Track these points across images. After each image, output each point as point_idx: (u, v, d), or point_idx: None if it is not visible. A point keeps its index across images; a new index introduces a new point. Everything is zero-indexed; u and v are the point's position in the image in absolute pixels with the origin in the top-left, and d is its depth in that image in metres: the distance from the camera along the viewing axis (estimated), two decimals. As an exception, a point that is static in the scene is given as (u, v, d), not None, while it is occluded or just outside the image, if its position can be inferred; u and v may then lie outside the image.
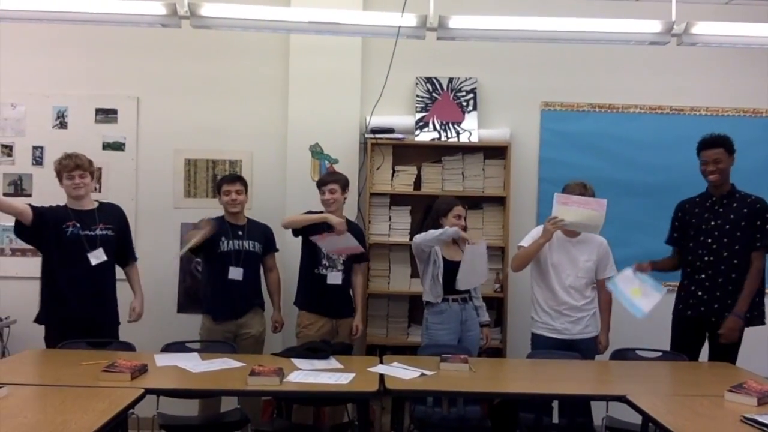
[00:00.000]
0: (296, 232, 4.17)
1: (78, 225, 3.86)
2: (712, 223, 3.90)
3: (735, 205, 3.89)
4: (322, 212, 4.17)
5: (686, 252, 4.01)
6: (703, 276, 3.89)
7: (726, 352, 3.82)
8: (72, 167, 3.86)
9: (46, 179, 4.72)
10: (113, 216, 4.04)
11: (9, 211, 3.78)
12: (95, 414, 2.57)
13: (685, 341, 3.97)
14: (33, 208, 3.82)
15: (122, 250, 4.06)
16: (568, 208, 3.82)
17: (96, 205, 4.01)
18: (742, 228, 3.83)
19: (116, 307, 4.01)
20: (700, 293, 3.89)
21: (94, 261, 3.85)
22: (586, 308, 3.97)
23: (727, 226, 3.85)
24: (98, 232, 3.91)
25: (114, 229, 3.98)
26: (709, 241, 3.88)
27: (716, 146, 3.88)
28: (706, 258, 3.88)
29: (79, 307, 3.80)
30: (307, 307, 4.19)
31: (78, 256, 3.82)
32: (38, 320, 3.89)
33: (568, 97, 4.89)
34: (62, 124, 4.81)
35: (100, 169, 4.39)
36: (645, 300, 3.74)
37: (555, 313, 3.94)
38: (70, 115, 4.81)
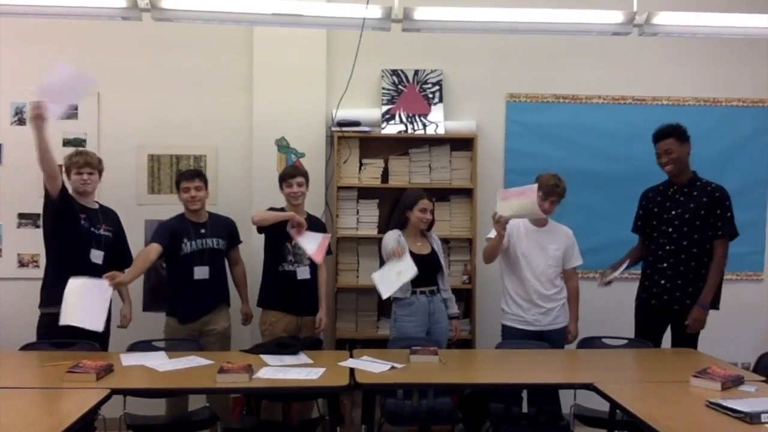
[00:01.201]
0: (261, 229, 4.12)
1: (87, 220, 3.89)
2: (673, 212, 3.95)
3: (695, 193, 3.94)
4: (282, 209, 4.14)
5: (649, 241, 4.07)
6: (665, 265, 3.94)
7: (688, 339, 3.90)
8: (82, 164, 3.89)
9: (6, 177, 4.66)
10: (112, 219, 4.08)
11: (49, 167, 3.66)
12: (61, 416, 2.53)
13: (648, 329, 4.03)
14: (63, 184, 3.80)
15: (119, 254, 4.06)
16: (508, 202, 3.82)
17: (97, 206, 4.04)
18: (702, 216, 3.88)
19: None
20: (662, 282, 3.94)
21: (94, 259, 3.87)
22: (556, 298, 4.01)
23: (687, 215, 3.91)
24: (102, 231, 3.94)
25: (113, 232, 4.01)
26: (670, 230, 3.94)
27: (666, 137, 3.94)
28: (667, 247, 3.94)
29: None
30: (272, 306, 4.12)
31: (84, 251, 3.85)
32: (42, 305, 3.85)
33: (532, 89, 4.92)
34: (21, 121, 4.69)
35: (61, 166, 4.29)
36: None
37: (526, 303, 3.96)
38: (28, 111, 4.68)
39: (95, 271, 3.80)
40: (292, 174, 4.15)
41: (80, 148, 4.07)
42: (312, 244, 4.02)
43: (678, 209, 3.95)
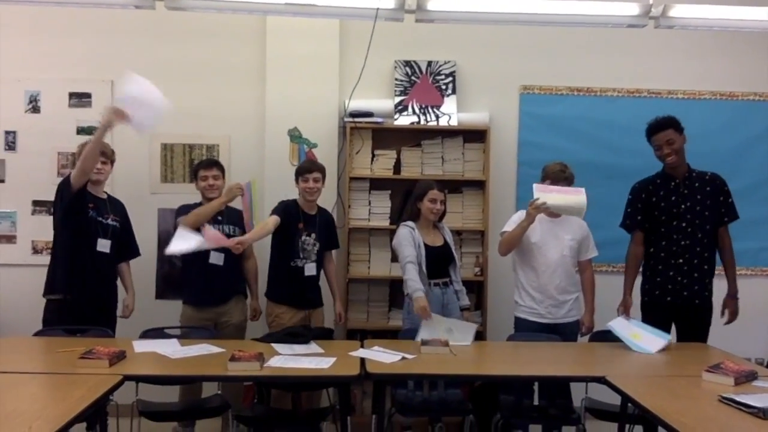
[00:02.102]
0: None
1: (95, 210, 3.91)
2: (683, 206, 3.88)
3: (697, 184, 3.90)
4: (294, 201, 4.15)
5: (656, 237, 3.97)
6: (680, 261, 3.88)
7: (698, 334, 3.88)
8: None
9: (20, 165, 4.69)
10: (120, 209, 4.12)
11: (90, 165, 3.71)
12: (73, 401, 2.54)
13: (659, 325, 3.85)
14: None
15: (125, 245, 4.11)
16: (549, 195, 3.80)
17: (105, 196, 4.08)
18: (709, 207, 3.87)
19: (116, 298, 4.06)
20: (679, 278, 3.87)
21: (101, 248, 3.89)
22: (570, 290, 3.99)
23: (698, 207, 3.86)
24: (110, 221, 3.98)
25: (120, 222, 4.04)
26: (683, 224, 3.87)
27: (665, 128, 3.87)
28: (682, 242, 3.87)
29: (81, 288, 3.80)
30: (281, 300, 4.12)
31: (91, 239, 3.87)
32: (47, 293, 3.88)
33: (546, 81, 4.89)
34: (35, 109, 4.72)
35: (74, 154, 4.31)
36: (649, 342, 3.57)
37: (540, 295, 3.94)
38: (43, 99, 4.72)
39: (102, 260, 3.84)
40: (308, 168, 4.12)
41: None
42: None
43: (687, 202, 3.88)
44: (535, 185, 3.88)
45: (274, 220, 3.96)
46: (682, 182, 3.92)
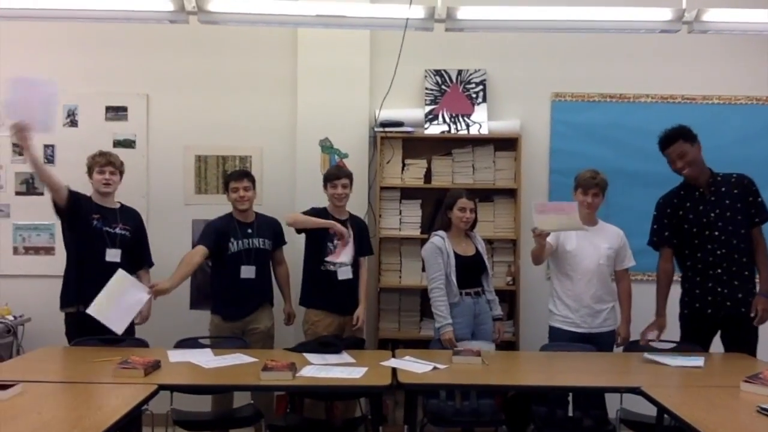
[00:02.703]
0: (300, 230, 4.16)
1: (101, 220, 3.95)
2: (712, 214, 3.74)
3: (723, 189, 3.76)
4: (324, 208, 4.19)
5: (691, 249, 3.82)
6: (719, 271, 3.73)
7: (746, 345, 3.72)
8: (104, 163, 4.00)
9: (60, 177, 4.75)
10: (132, 218, 4.14)
11: (47, 182, 3.87)
12: (109, 410, 2.58)
13: (698, 337, 3.82)
14: (70, 191, 3.94)
15: (138, 254, 4.14)
16: (546, 216, 3.72)
17: (118, 206, 4.12)
18: (740, 210, 3.72)
19: None
20: (719, 289, 3.73)
21: (110, 258, 3.92)
22: (606, 299, 3.94)
23: (728, 213, 3.72)
24: (118, 230, 4.01)
25: (131, 231, 4.07)
26: (716, 233, 3.72)
27: (674, 140, 3.74)
28: (719, 252, 3.72)
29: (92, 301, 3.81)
30: (315, 305, 4.15)
31: (98, 250, 3.92)
32: (64, 306, 3.98)
33: (578, 88, 4.85)
34: (73, 123, 4.83)
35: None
36: (688, 361, 3.48)
37: (575, 304, 3.89)
38: (80, 113, 4.83)
39: (112, 270, 3.82)
40: (336, 175, 4.17)
41: (103, 150, 4.15)
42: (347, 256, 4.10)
43: (716, 210, 3.74)
44: (534, 204, 3.79)
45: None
46: (707, 189, 3.78)
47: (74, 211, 3.93)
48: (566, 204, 3.78)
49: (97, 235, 3.93)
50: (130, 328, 3.97)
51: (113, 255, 3.95)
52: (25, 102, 3.57)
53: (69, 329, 3.93)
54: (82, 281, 3.89)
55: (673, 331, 3.96)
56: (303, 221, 4.10)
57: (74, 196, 3.95)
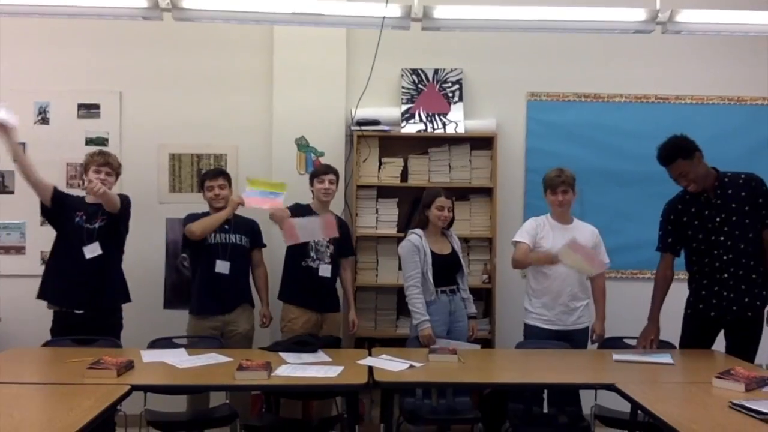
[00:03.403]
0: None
1: (84, 217, 3.90)
2: (718, 219, 3.63)
3: (730, 191, 3.64)
4: (308, 205, 4.17)
5: (697, 255, 3.73)
6: (726, 276, 3.62)
7: (747, 348, 3.67)
8: (101, 163, 3.94)
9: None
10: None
11: (31, 180, 3.81)
12: (81, 411, 2.53)
13: (698, 340, 3.78)
14: (55, 190, 3.92)
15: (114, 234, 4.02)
16: (572, 254, 3.73)
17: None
18: (747, 212, 3.60)
19: (115, 302, 3.98)
20: (725, 293, 3.63)
21: (88, 254, 3.87)
22: (581, 296, 3.98)
23: (735, 217, 3.61)
24: (96, 225, 3.93)
25: (107, 218, 3.95)
26: (722, 238, 3.62)
27: (671, 160, 3.61)
28: (725, 257, 3.61)
29: (74, 297, 3.83)
30: (293, 301, 4.14)
31: (75, 247, 3.87)
32: (40, 296, 3.93)
33: (553, 87, 4.89)
34: (44, 120, 4.75)
35: (82, 164, 4.33)
36: (658, 358, 3.50)
37: (551, 301, 3.92)
38: (51, 110, 4.75)
39: (92, 265, 3.82)
40: (324, 171, 4.18)
41: (102, 148, 4.16)
42: (308, 231, 3.97)
43: (722, 214, 3.62)
44: (570, 242, 3.77)
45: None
46: (713, 193, 3.65)
47: (57, 210, 3.89)
48: (597, 259, 3.84)
49: (77, 231, 3.88)
50: (116, 329, 3.96)
51: (91, 250, 3.88)
52: None
53: (55, 326, 3.89)
54: (60, 277, 3.86)
55: (671, 331, 3.90)
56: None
57: (57, 195, 3.90)
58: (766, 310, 3.68)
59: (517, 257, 3.99)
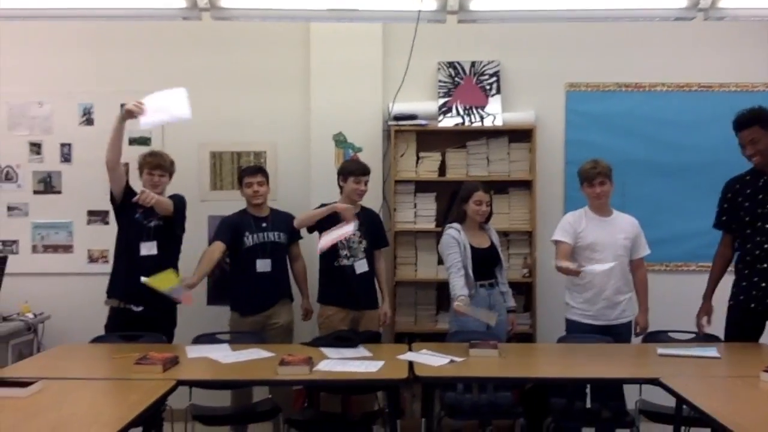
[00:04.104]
0: (310, 229, 4.15)
1: (143, 214, 4.00)
2: None
3: None
4: (335, 203, 4.16)
5: (742, 239, 3.68)
6: (765, 265, 3.55)
7: None
8: (154, 165, 4.05)
9: (75, 176, 4.83)
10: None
11: (115, 167, 3.95)
12: (128, 406, 2.59)
13: (742, 331, 3.69)
14: (127, 183, 4.06)
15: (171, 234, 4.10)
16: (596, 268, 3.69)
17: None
18: None
19: (171, 301, 3.95)
20: (763, 284, 3.56)
21: (144, 251, 3.97)
22: (624, 290, 3.92)
23: None
24: (153, 223, 4.02)
25: (162, 218, 4.02)
26: (767, 227, 3.57)
27: (749, 125, 3.52)
28: (766, 246, 3.54)
29: (132, 293, 3.90)
30: (331, 301, 4.14)
31: (135, 243, 3.98)
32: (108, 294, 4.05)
33: (593, 77, 4.81)
34: (89, 121, 4.86)
35: (127, 164, 4.42)
36: (704, 351, 3.42)
37: (594, 296, 3.86)
38: (96, 111, 4.86)
39: (148, 264, 3.87)
40: (362, 171, 4.15)
41: (156, 150, 4.29)
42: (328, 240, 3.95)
43: None
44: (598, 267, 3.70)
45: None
46: None
47: (125, 204, 3.99)
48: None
49: (136, 227, 3.99)
50: (171, 327, 4.05)
51: (148, 248, 3.98)
52: (162, 103, 3.88)
53: (109, 322, 4.00)
54: (126, 275, 3.96)
55: (717, 323, 3.84)
56: (308, 217, 4.07)
57: (129, 191, 4.02)
58: None
59: (561, 265, 3.82)
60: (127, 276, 3.93)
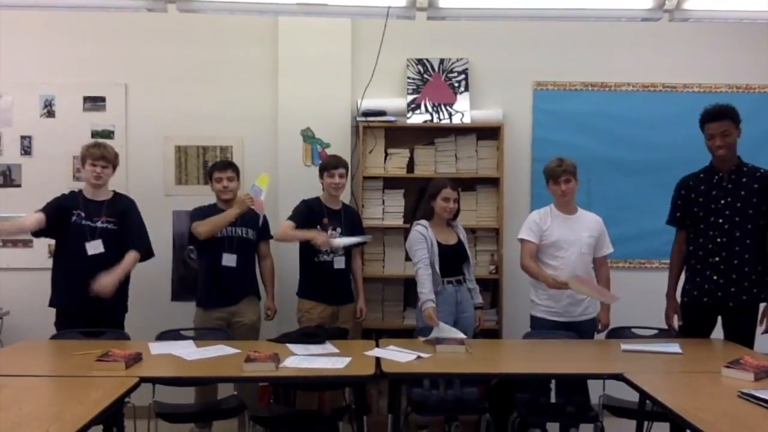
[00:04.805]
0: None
1: (83, 214, 3.90)
2: (722, 201, 3.63)
3: (744, 180, 3.63)
4: (317, 198, 4.17)
5: (695, 234, 3.76)
6: (717, 259, 3.64)
7: (743, 337, 3.64)
8: (98, 156, 3.94)
9: (36, 169, 4.73)
10: (121, 207, 4.04)
11: (24, 231, 3.93)
12: (90, 404, 2.54)
13: (697, 327, 3.77)
14: (47, 212, 3.90)
15: (127, 241, 3.99)
16: (581, 286, 3.73)
17: (110, 195, 4.05)
18: (755, 205, 3.59)
19: (121, 297, 3.97)
20: (715, 278, 3.64)
21: (91, 251, 3.88)
22: None
23: (739, 204, 3.60)
24: (99, 224, 3.92)
25: (116, 222, 3.97)
26: (720, 221, 3.63)
27: (722, 118, 3.60)
28: (718, 240, 3.63)
29: (78, 295, 3.79)
30: (310, 296, 4.15)
31: (78, 244, 3.87)
32: (50, 304, 3.95)
33: (560, 76, 4.86)
34: (50, 113, 4.76)
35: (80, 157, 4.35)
36: (666, 347, 3.48)
37: (558, 293, 3.87)
38: (57, 103, 4.76)
39: (94, 263, 3.80)
40: (334, 165, 4.15)
41: (99, 140, 4.19)
42: (349, 240, 4.07)
43: (727, 198, 3.62)
44: (576, 277, 3.74)
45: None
46: (727, 176, 3.65)
47: (56, 222, 3.89)
48: (610, 295, 3.83)
49: (76, 230, 3.88)
50: (119, 319, 3.99)
51: (94, 247, 3.89)
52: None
53: (58, 323, 3.91)
54: (66, 278, 3.88)
55: (657, 318, 3.94)
56: (291, 237, 4.09)
57: (50, 213, 3.89)
58: (761, 306, 3.65)
59: (526, 265, 3.90)
60: (72, 277, 3.84)
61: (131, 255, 3.92)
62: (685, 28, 4.37)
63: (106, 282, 3.73)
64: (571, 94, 4.87)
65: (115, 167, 4.05)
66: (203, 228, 4.01)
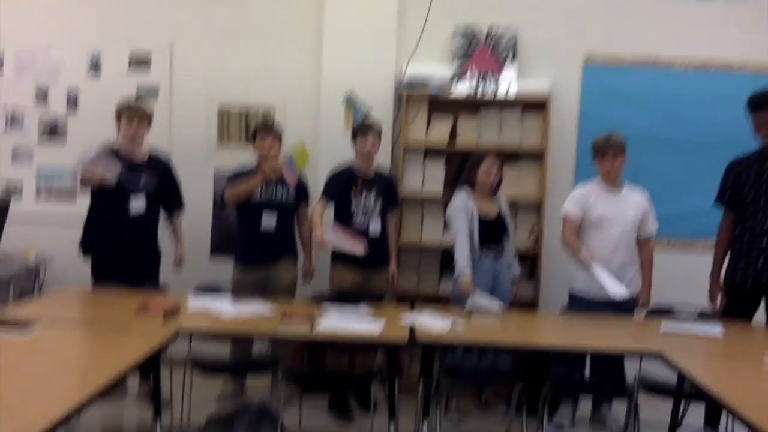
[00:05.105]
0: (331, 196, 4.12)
1: (125, 175, 3.91)
2: None
3: None
4: (349, 166, 4.15)
5: (743, 217, 3.71)
6: (763, 245, 3.60)
7: None
8: (132, 114, 3.97)
9: (81, 124, 4.78)
10: (159, 168, 4.10)
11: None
12: (127, 352, 2.57)
13: (740, 309, 3.71)
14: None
15: (165, 201, 4.14)
16: (600, 272, 3.68)
17: (146, 155, 4.08)
18: None
19: (156, 249, 4.11)
20: (760, 263, 3.60)
21: (134, 210, 3.93)
22: (629, 265, 3.86)
23: None
24: (142, 182, 3.97)
25: (158, 181, 4.04)
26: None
27: (765, 107, 3.57)
28: (765, 225, 3.59)
29: (117, 250, 3.89)
30: (344, 260, 4.09)
31: (121, 202, 3.91)
32: (84, 250, 4.00)
33: (611, 48, 4.71)
34: (96, 69, 4.80)
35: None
36: (708, 329, 3.43)
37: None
38: (103, 61, 4.80)
39: (134, 223, 3.91)
40: (366, 128, 4.11)
41: (134, 99, 4.26)
42: (346, 243, 3.94)
43: None
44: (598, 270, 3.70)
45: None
46: None
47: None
48: (618, 286, 3.71)
49: (120, 188, 3.89)
50: (155, 272, 4.04)
51: (137, 207, 3.94)
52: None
53: (94, 271, 3.97)
54: (102, 233, 3.93)
55: (700, 298, 3.87)
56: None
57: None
58: None
59: (567, 239, 3.86)
60: (111, 235, 3.91)
61: (180, 219, 4.19)
62: (744, 6, 4.20)
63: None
64: (622, 70, 4.74)
65: (149, 124, 4.07)
66: (228, 194, 4.09)
